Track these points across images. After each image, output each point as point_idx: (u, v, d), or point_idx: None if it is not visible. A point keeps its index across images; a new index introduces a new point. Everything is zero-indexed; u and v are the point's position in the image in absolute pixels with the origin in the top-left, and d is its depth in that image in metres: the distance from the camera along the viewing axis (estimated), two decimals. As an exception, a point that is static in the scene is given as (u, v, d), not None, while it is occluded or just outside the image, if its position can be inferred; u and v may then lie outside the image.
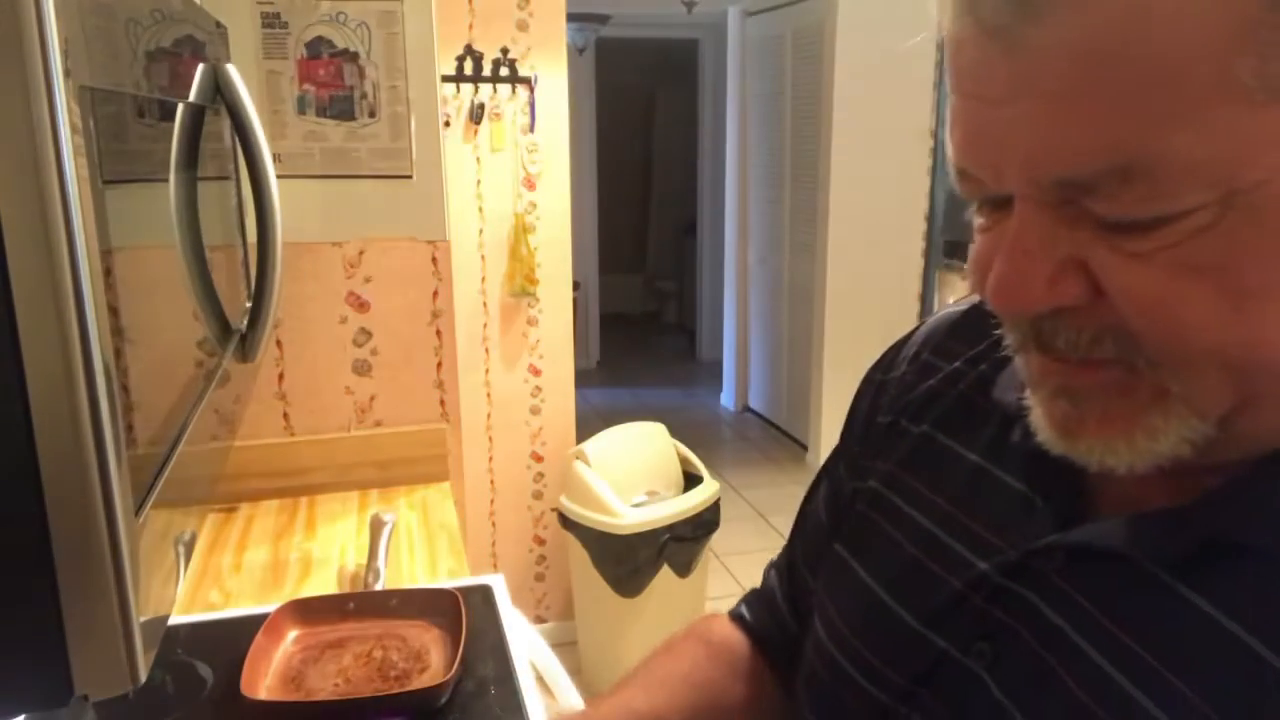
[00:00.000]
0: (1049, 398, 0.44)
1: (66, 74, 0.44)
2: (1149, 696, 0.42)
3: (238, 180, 1.12)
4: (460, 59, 2.54)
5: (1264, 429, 0.41)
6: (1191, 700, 0.41)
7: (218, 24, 1.06)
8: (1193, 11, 0.33)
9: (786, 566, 0.77)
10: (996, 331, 0.53)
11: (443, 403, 1.76)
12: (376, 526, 1.49)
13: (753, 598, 0.79)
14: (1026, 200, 0.39)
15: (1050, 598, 0.47)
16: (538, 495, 2.91)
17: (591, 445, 2.76)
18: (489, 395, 2.79)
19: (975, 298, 0.63)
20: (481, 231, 2.68)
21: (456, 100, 2.56)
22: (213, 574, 1.45)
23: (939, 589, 0.53)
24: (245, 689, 1.04)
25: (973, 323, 0.62)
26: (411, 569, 1.46)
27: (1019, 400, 0.50)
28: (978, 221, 0.45)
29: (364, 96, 1.59)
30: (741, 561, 3.49)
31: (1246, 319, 0.37)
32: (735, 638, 0.77)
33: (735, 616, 0.79)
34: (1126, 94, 0.35)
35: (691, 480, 2.88)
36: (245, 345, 1.03)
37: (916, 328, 0.69)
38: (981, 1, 0.38)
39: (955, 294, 3.17)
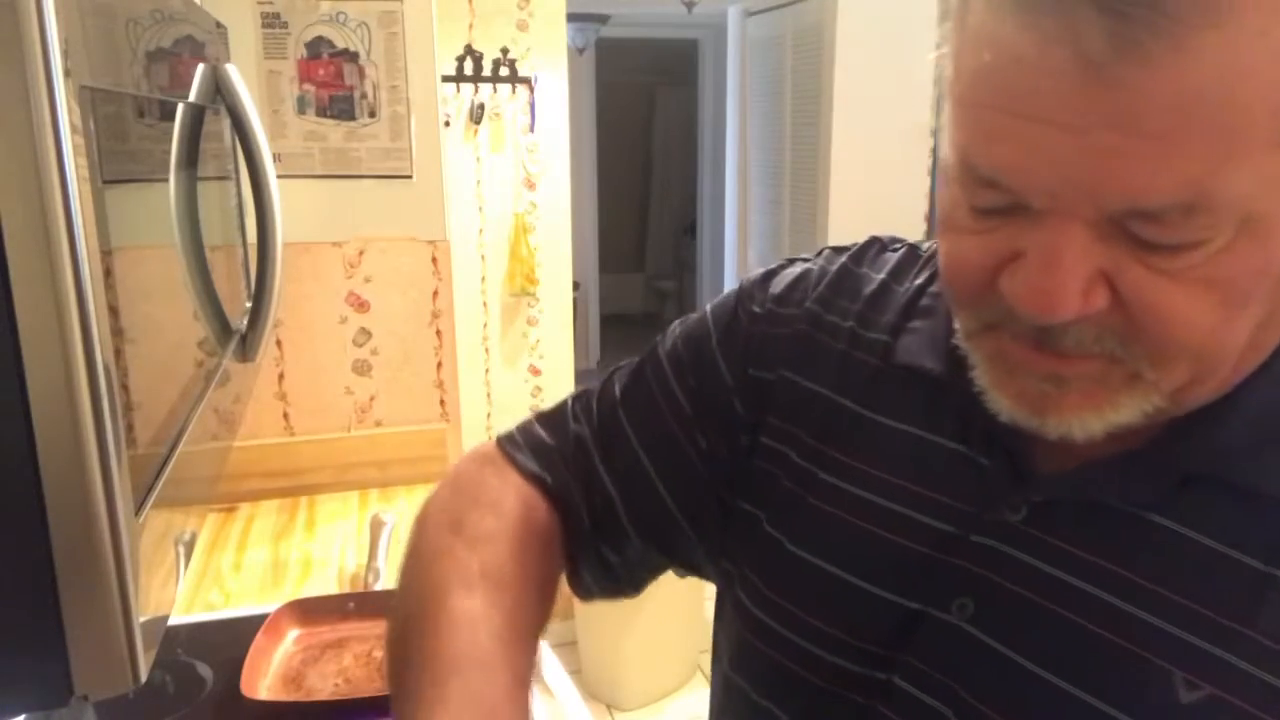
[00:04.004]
0: (1033, 381, 0.47)
1: (66, 74, 0.44)
2: (1142, 608, 0.48)
3: (238, 180, 1.12)
4: (460, 59, 2.54)
5: (1197, 398, 0.47)
6: (1182, 604, 0.47)
7: (218, 24, 1.06)
8: (1270, 73, 0.37)
9: (613, 428, 0.69)
10: (867, 294, 0.63)
11: (443, 403, 1.76)
12: (376, 526, 1.49)
13: (555, 459, 0.70)
14: (1072, 217, 0.41)
15: (1023, 545, 0.52)
16: (538, 495, 2.91)
17: (591, 445, 2.75)
18: (489, 395, 2.79)
19: (838, 259, 0.67)
20: (481, 231, 2.68)
21: (456, 100, 2.56)
22: (213, 574, 1.45)
23: (901, 555, 0.56)
24: (245, 689, 1.04)
25: (849, 281, 0.65)
26: (411, 569, 1.46)
27: (942, 368, 0.56)
28: (962, 222, 0.46)
29: (364, 96, 1.59)
30: (741, 561, 3.48)
31: (1231, 322, 0.43)
32: (551, 521, 0.68)
33: (536, 480, 0.69)
34: (1209, 138, 0.38)
35: (691, 480, 2.87)
36: (245, 345, 1.03)
37: (783, 268, 0.69)
38: (1085, 35, 0.38)
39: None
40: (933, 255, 0.64)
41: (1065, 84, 0.39)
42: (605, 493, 0.68)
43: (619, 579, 0.72)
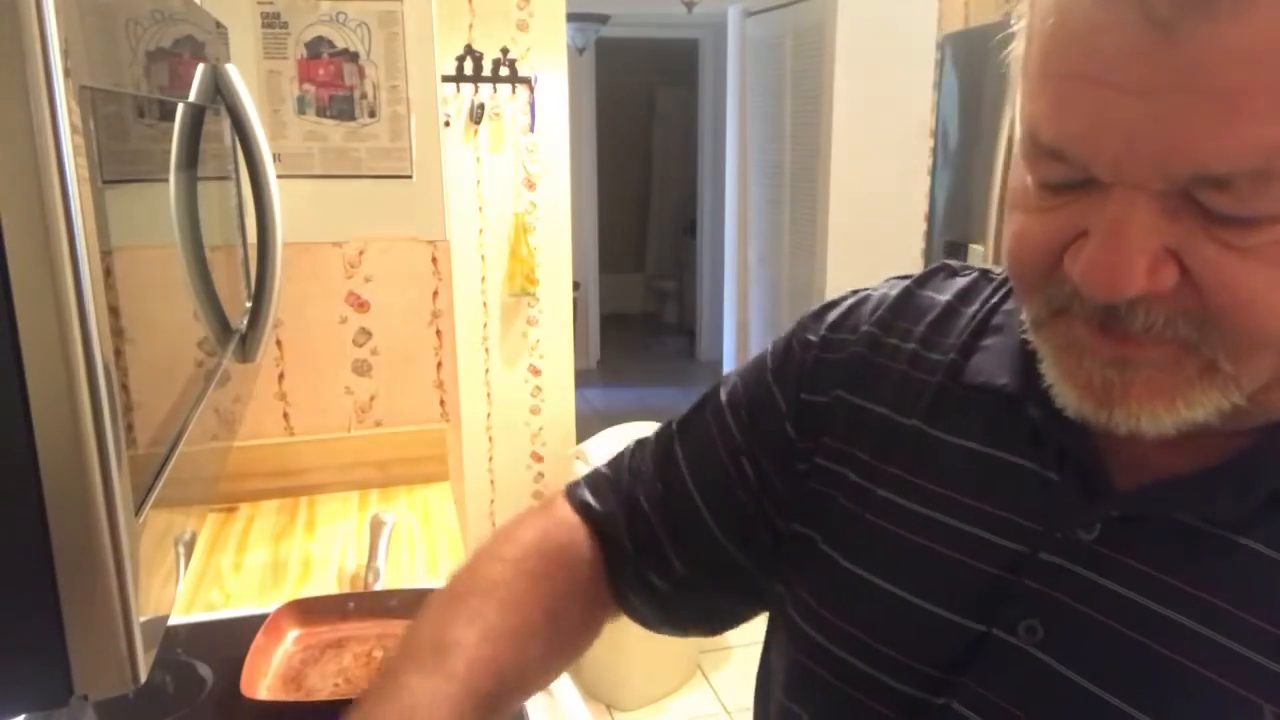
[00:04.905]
0: (1098, 367, 0.45)
1: (66, 74, 0.44)
2: (1228, 636, 0.45)
3: (238, 180, 1.12)
4: (460, 59, 2.54)
5: None
6: (1272, 633, 0.44)
7: (218, 24, 1.06)
8: None
9: (666, 454, 0.71)
10: (931, 316, 0.62)
11: (443, 403, 1.76)
12: (376, 526, 1.49)
13: (605, 488, 0.73)
14: (1138, 190, 0.39)
15: (1096, 565, 0.49)
16: (538, 495, 2.91)
17: (591, 445, 2.76)
18: (489, 395, 2.79)
19: (902, 283, 0.66)
20: (481, 231, 2.68)
21: (456, 100, 2.56)
22: (213, 574, 1.45)
23: (965, 575, 0.53)
24: (245, 689, 1.04)
25: (910, 304, 0.64)
26: (411, 569, 1.46)
27: (1012, 381, 0.54)
28: (1029, 202, 0.45)
29: (364, 96, 1.58)
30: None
31: None
32: (583, 545, 0.70)
33: (582, 507, 0.72)
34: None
35: (691, 480, 2.87)
36: (245, 345, 1.03)
37: (844, 298, 0.69)
38: None
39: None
40: (1006, 278, 0.62)
41: (1129, 44, 0.37)
42: (645, 516, 0.69)
43: (669, 605, 0.72)
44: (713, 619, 0.74)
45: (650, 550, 0.69)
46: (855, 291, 0.69)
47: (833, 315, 0.67)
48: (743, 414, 0.68)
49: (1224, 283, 0.40)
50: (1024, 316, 0.50)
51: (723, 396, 0.70)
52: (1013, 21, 0.45)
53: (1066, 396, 0.47)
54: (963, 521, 0.55)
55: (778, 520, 0.65)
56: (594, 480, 0.74)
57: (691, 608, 0.72)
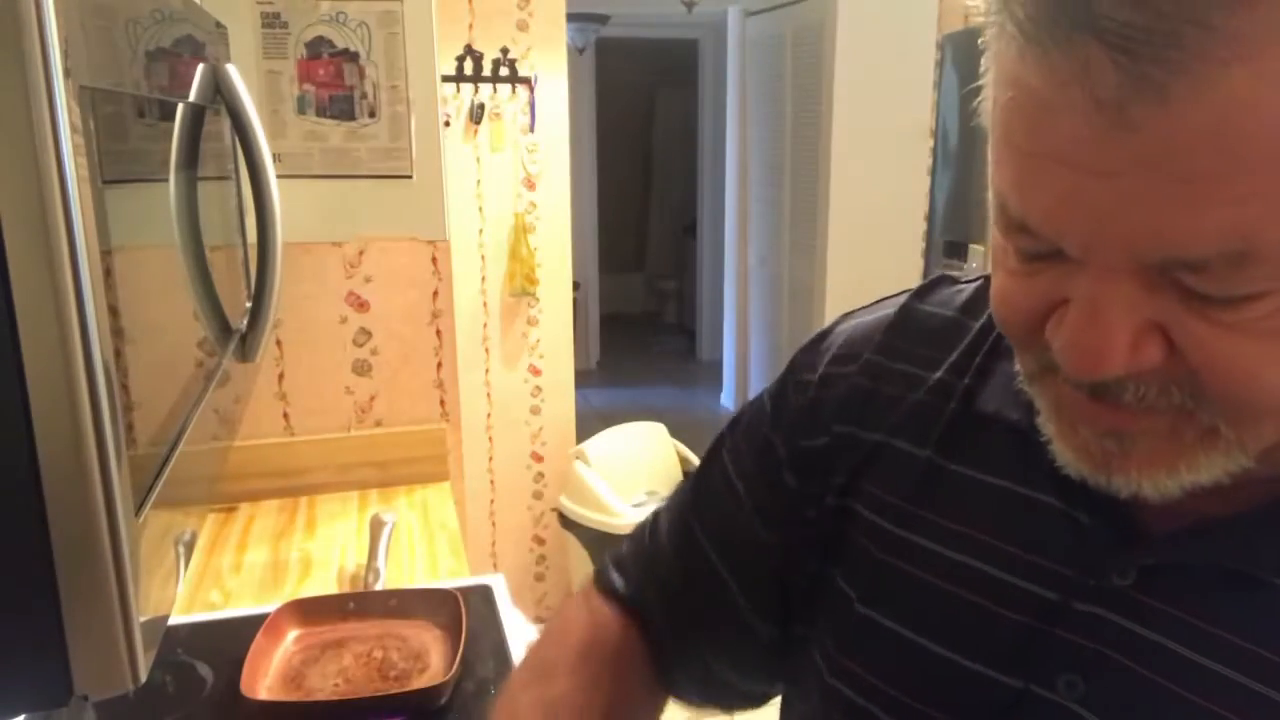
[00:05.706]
0: (1094, 437, 0.43)
1: (66, 74, 0.44)
2: (1277, 689, 0.42)
3: (238, 180, 1.12)
4: (460, 59, 2.54)
5: None
6: None
7: (218, 24, 1.06)
8: None
9: (684, 533, 0.70)
10: (936, 335, 0.58)
11: (443, 403, 1.76)
12: (376, 526, 1.49)
13: (630, 569, 0.73)
14: (1114, 270, 0.38)
15: (1136, 615, 0.46)
16: (538, 495, 2.91)
17: (591, 445, 2.76)
18: (489, 395, 2.79)
19: (899, 300, 0.63)
20: (481, 231, 2.68)
21: (456, 100, 2.56)
22: (213, 574, 1.45)
23: (998, 625, 0.50)
24: (245, 689, 1.04)
25: (912, 323, 0.61)
26: (411, 569, 1.46)
27: (1025, 418, 0.51)
28: (1009, 263, 0.43)
29: (364, 96, 1.58)
30: (741, 561, 3.48)
31: None
32: (627, 639, 0.69)
33: (611, 593, 0.72)
34: (1248, 181, 0.34)
35: (691, 480, 2.88)
36: (245, 345, 1.03)
37: (835, 325, 0.67)
38: (1095, 73, 0.34)
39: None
40: None
41: (1085, 126, 0.35)
42: (678, 593, 0.68)
43: (711, 680, 0.70)
44: (754, 698, 0.72)
45: (684, 627, 0.68)
46: (847, 315, 0.66)
47: (827, 348, 0.64)
48: (748, 469, 0.66)
49: (1213, 359, 0.38)
50: (1018, 367, 0.48)
51: (726, 456, 0.68)
52: (981, 71, 0.43)
53: (1064, 456, 0.45)
54: (988, 564, 0.51)
55: (795, 573, 0.62)
56: (618, 562, 0.73)
57: (733, 692, 0.71)
